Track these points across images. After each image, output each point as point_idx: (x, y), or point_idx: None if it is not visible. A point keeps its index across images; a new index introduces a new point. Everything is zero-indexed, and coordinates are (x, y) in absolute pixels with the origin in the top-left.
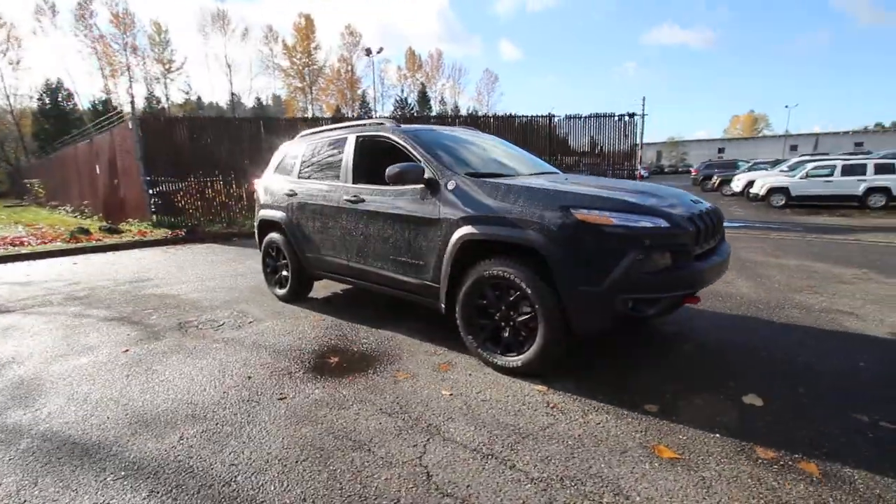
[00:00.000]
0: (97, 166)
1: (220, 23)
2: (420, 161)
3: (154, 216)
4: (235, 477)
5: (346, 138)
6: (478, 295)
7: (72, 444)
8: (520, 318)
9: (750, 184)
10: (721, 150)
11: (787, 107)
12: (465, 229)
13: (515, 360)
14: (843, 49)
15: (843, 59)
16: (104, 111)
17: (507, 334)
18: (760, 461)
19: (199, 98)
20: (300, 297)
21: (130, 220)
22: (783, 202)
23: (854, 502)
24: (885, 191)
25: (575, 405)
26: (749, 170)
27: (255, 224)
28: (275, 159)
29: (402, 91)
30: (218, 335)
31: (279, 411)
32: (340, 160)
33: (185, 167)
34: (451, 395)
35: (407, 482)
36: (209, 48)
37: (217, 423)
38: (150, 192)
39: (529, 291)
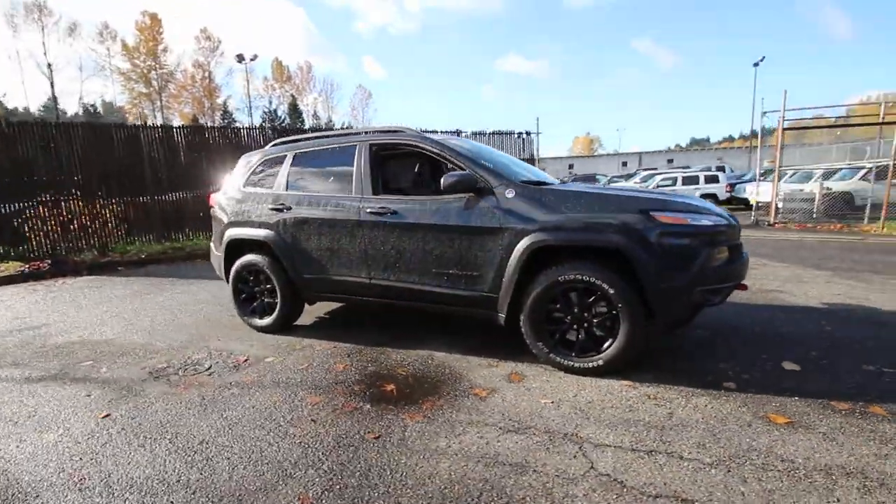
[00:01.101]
0: None
1: (36, 14)
2: (465, 169)
3: None
4: None
5: (354, 146)
6: (548, 300)
7: None
8: (596, 319)
9: None
10: (571, 167)
11: (617, 130)
12: (536, 236)
13: (596, 360)
14: (650, 85)
15: (650, 93)
16: None
17: (581, 336)
18: (844, 412)
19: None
20: (288, 326)
21: None
22: None
23: None
24: (713, 197)
25: (671, 394)
26: (609, 182)
27: (221, 246)
28: (241, 171)
29: (271, 102)
30: (218, 381)
31: (389, 450)
32: (350, 170)
33: (32, 184)
34: (552, 402)
35: (608, 492)
36: (21, 43)
37: (328, 478)
38: None
39: (612, 292)
